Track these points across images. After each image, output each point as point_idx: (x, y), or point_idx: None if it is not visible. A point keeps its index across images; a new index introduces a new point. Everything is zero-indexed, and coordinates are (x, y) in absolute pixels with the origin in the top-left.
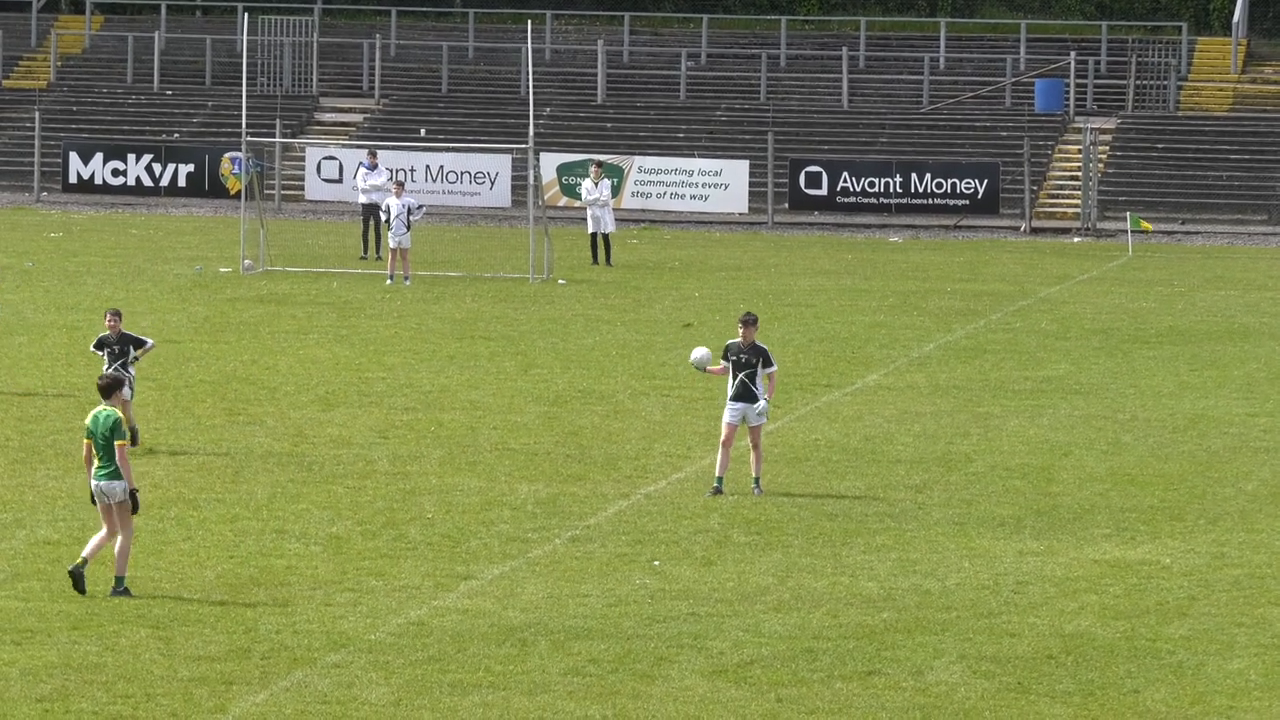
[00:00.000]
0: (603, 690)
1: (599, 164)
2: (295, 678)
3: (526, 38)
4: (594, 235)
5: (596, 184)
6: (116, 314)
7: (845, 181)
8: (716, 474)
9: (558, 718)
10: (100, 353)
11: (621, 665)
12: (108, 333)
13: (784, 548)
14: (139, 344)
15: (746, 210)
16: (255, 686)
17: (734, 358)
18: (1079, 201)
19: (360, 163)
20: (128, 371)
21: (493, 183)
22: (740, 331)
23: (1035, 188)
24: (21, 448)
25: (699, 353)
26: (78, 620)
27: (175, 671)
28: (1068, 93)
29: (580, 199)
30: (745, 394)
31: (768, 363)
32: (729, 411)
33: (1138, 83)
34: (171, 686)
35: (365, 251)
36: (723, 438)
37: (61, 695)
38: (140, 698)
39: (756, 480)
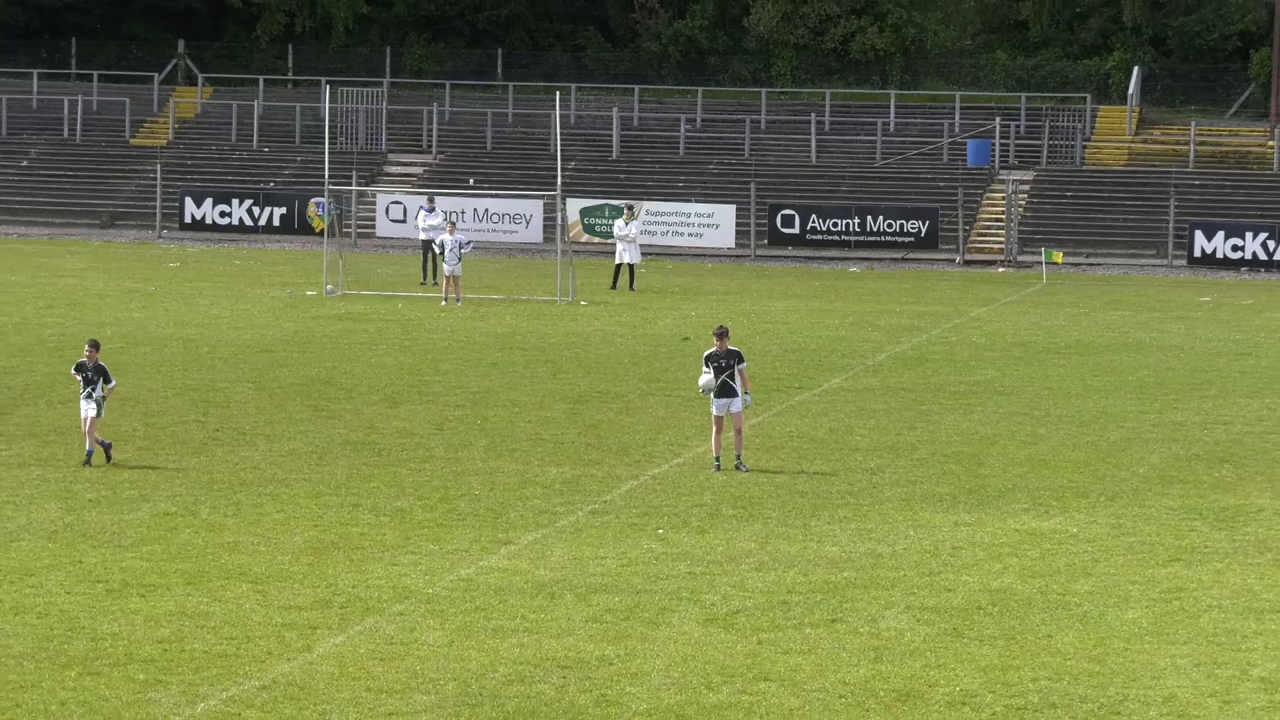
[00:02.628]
0: (617, 634)
1: (630, 207)
2: (367, 623)
3: (555, 106)
4: (619, 265)
5: (627, 223)
6: (95, 345)
7: (814, 222)
8: (713, 455)
9: (580, 656)
10: (78, 376)
11: (632, 614)
12: (85, 360)
13: (764, 519)
14: (108, 379)
15: (733, 245)
16: (335, 630)
17: (715, 363)
18: (1003, 238)
19: (420, 206)
20: (96, 397)
21: (527, 223)
22: (716, 342)
23: (967, 227)
24: (146, 437)
25: (706, 379)
26: (191, 577)
27: (270, 618)
28: (994, 150)
29: (612, 234)
30: (726, 390)
31: (740, 360)
32: (715, 406)
33: (1050, 142)
34: (267, 630)
35: (424, 278)
36: (714, 427)
37: (177, 638)
38: (241, 640)
39: (738, 458)
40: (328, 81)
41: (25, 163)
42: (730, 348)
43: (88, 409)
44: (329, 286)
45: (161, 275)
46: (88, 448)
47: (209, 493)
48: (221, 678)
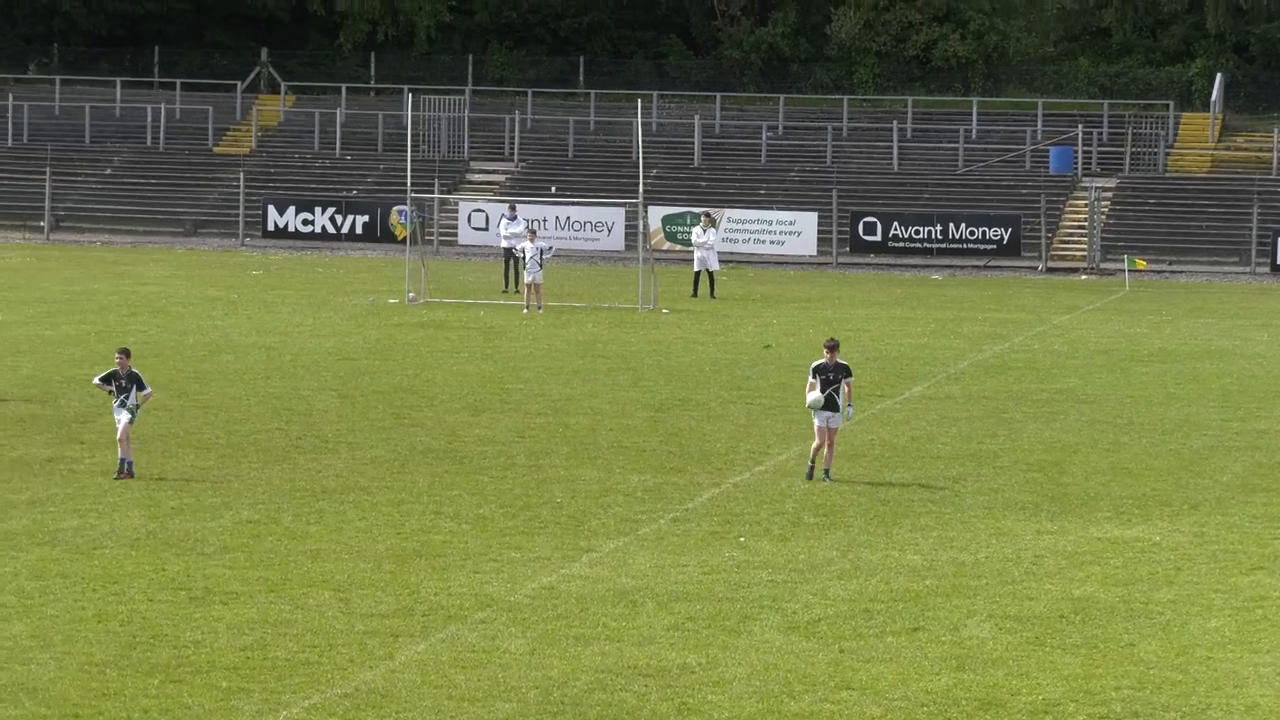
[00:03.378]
0: (698, 642)
1: (708, 214)
2: (449, 631)
3: (637, 113)
4: (699, 272)
5: (705, 231)
6: (126, 353)
7: (895, 229)
8: (809, 463)
9: (662, 664)
10: (108, 386)
11: (714, 622)
12: (117, 369)
13: (845, 527)
14: (141, 386)
15: (815, 253)
16: (417, 638)
17: (823, 375)
18: (1085, 246)
19: (502, 214)
20: (130, 405)
21: (609, 230)
22: (826, 354)
23: (1050, 235)
24: (228, 445)
25: (814, 396)
26: (274, 584)
27: (352, 626)
28: (1076, 157)
29: (690, 242)
30: (830, 404)
31: (848, 374)
32: (818, 418)
33: (1133, 150)
34: (349, 638)
35: (506, 286)
36: (817, 439)
37: (260, 645)
38: (324, 647)
39: (826, 471)
40: (410, 89)
41: (109, 171)
42: (839, 361)
43: (122, 417)
44: (411, 294)
45: (244, 283)
46: (121, 456)
47: (291, 500)
48: (304, 685)
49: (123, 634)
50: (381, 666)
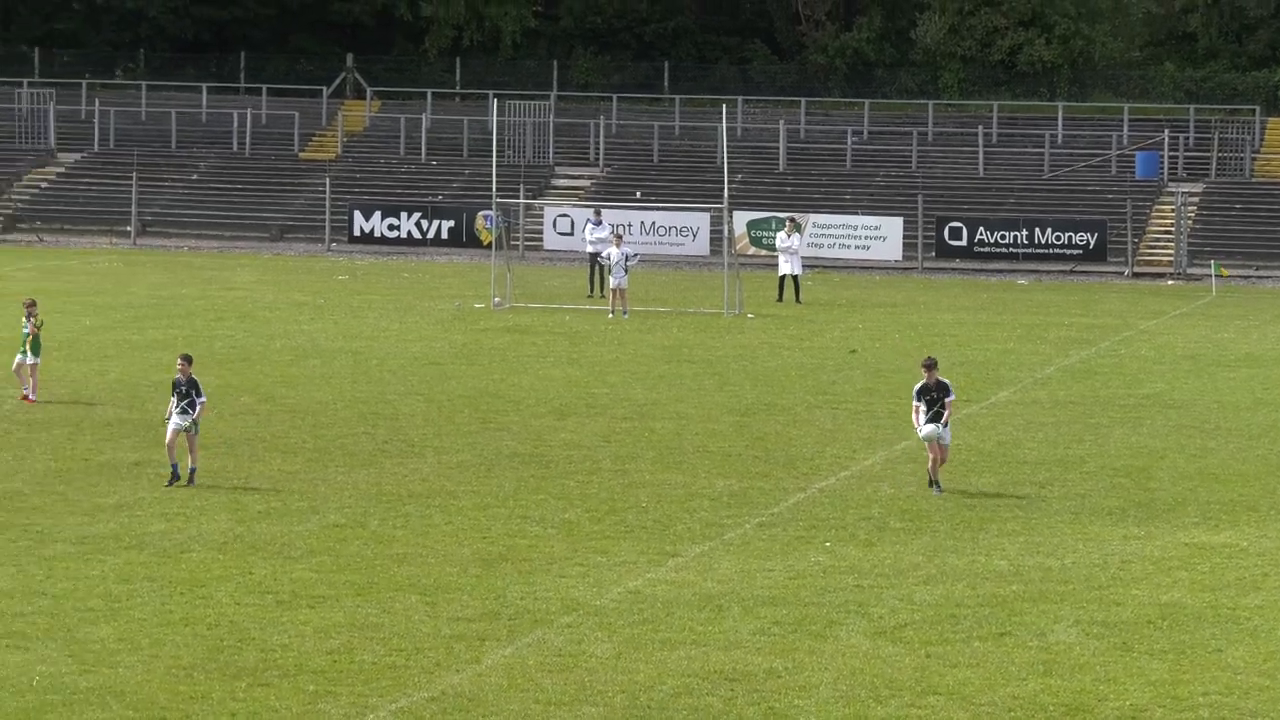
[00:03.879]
0: (784, 647)
1: (792, 219)
2: (536, 635)
3: (722, 118)
4: (783, 277)
5: (790, 235)
6: (188, 359)
7: (981, 234)
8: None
9: (748, 670)
10: (173, 396)
11: (800, 627)
12: (179, 376)
13: (932, 532)
14: (199, 393)
15: (900, 258)
16: (503, 642)
17: (927, 396)
18: (1172, 251)
19: (588, 219)
20: (193, 412)
21: (694, 235)
22: (925, 374)
23: (1136, 240)
24: (315, 449)
25: (929, 429)
26: (360, 588)
27: (439, 630)
28: (1162, 162)
29: (775, 247)
30: (936, 419)
31: (949, 393)
32: (925, 433)
33: (1219, 155)
34: (436, 642)
35: (591, 291)
36: (931, 455)
37: (347, 649)
38: (411, 651)
39: (936, 482)
40: (495, 95)
41: (195, 176)
42: (940, 379)
43: (179, 424)
44: (497, 299)
45: (330, 288)
46: (172, 462)
47: (378, 505)
48: (391, 689)
49: (209, 637)
50: (468, 670)
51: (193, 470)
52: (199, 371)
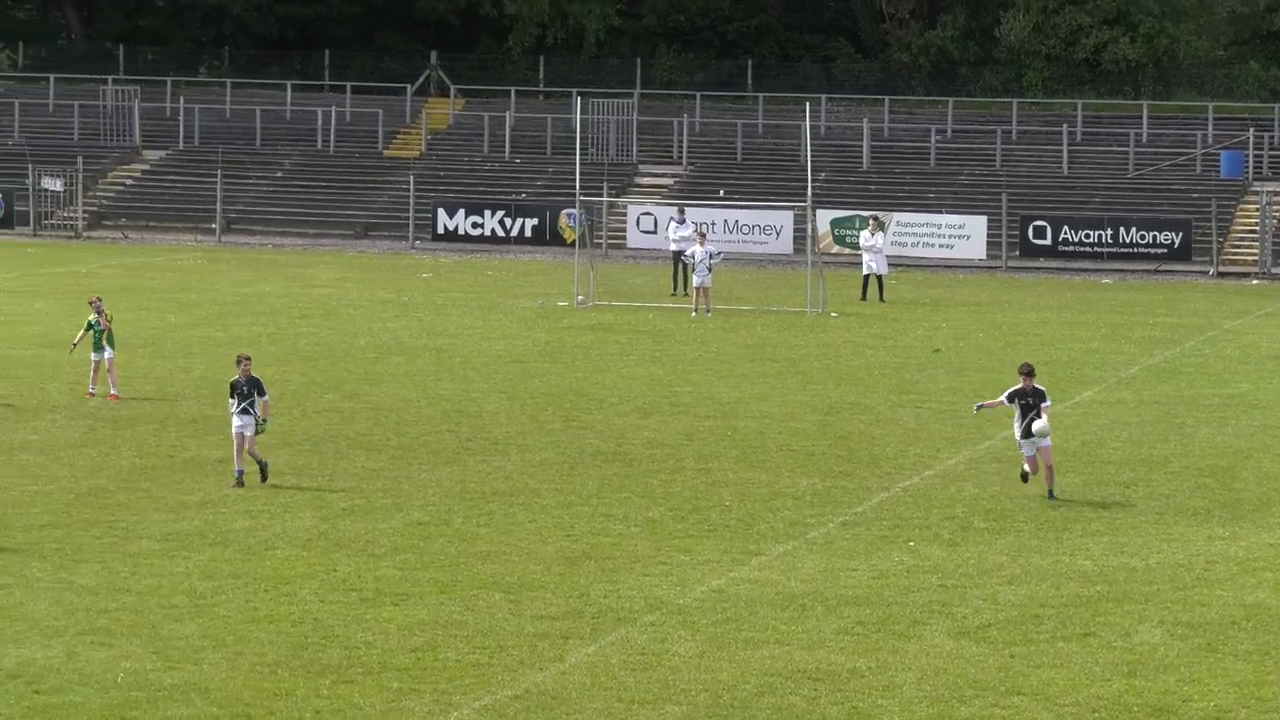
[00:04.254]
0: (868, 647)
1: (876, 218)
2: (619, 634)
3: (805, 116)
4: (867, 276)
5: (873, 234)
6: (248, 358)
7: (1065, 233)
8: (1046, 487)
9: (832, 668)
10: (232, 399)
11: (883, 626)
12: (239, 377)
13: (1015, 532)
14: (262, 392)
15: (984, 257)
16: (587, 640)
17: (1021, 401)
18: (1257, 250)
19: (671, 217)
20: (254, 411)
21: (778, 234)
22: (1022, 380)
23: (1221, 239)
24: (399, 446)
25: (1040, 424)
26: (444, 586)
27: (522, 628)
28: (1247, 161)
29: (859, 246)
30: (1028, 431)
31: (1045, 399)
32: (1024, 446)
33: None
34: (519, 640)
35: (675, 289)
36: (1028, 467)
37: (431, 646)
38: (494, 649)
39: (1051, 492)
40: (579, 93)
41: (280, 174)
42: (1036, 386)
43: (242, 425)
44: (580, 297)
45: (414, 286)
46: (238, 468)
47: (462, 502)
48: (474, 687)
49: (294, 634)
50: (551, 668)
51: (265, 466)
52: (285, 368)
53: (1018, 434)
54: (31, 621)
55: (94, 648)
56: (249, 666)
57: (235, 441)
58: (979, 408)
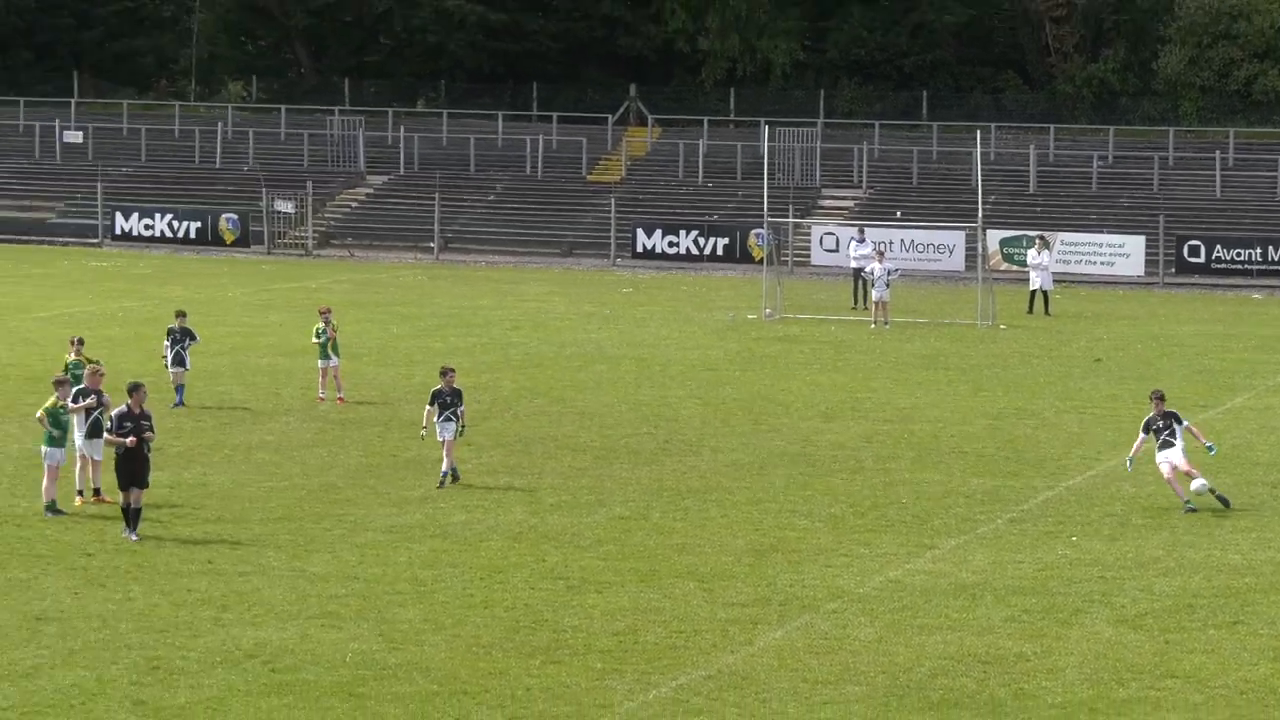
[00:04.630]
0: (1033, 633)
1: (1041, 237)
2: (804, 620)
3: (976, 144)
4: (1034, 292)
5: (1039, 252)
6: (452, 370)
7: (1218, 252)
8: (1181, 500)
9: (999, 653)
10: (432, 406)
11: (1047, 614)
12: (443, 386)
13: (1170, 528)
14: (460, 401)
15: (1142, 274)
16: (774, 626)
17: (1155, 426)
18: None
19: (851, 237)
20: (456, 419)
21: (950, 252)
22: (1153, 406)
23: None
24: (602, 447)
25: (1197, 485)
26: (643, 575)
27: (715, 614)
28: None
29: (1026, 263)
30: (1165, 446)
31: (1180, 421)
32: (1163, 465)
33: None
34: (712, 625)
35: (855, 303)
36: (1168, 478)
37: (631, 630)
38: (689, 633)
39: (1215, 492)
40: (766, 122)
41: (492, 197)
42: (1167, 410)
43: (445, 432)
44: (768, 310)
45: (615, 300)
46: (444, 470)
47: (659, 499)
48: (671, 667)
49: (507, 619)
50: (742, 651)
51: (454, 469)
52: (497, 375)
53: (1157, 460)
54: (268, 606)
55: (325, 630)
56: (466, 647)
57: (444, 447)
58: (1129, 464)
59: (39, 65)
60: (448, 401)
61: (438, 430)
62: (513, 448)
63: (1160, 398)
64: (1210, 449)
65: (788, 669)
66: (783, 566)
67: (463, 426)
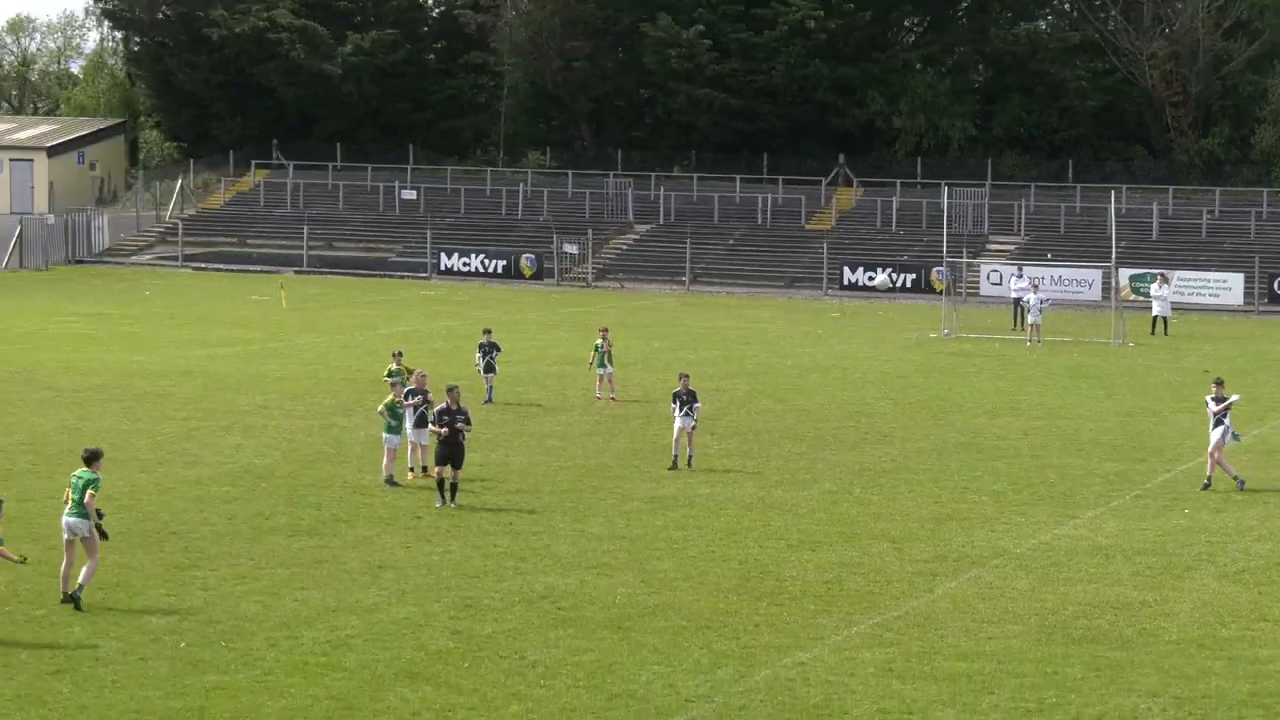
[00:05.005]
0: (1154, 585)
1: (1162, 274)
2: (972, 573)
3: (1110, 201)
4: (1155, 317)
5: (1160, 286)
6: (686, 375)
7: None
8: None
9: (1126, 601)
10: (674, 404)
11: (1165, 571)
12: (680, 388)
13: (1264, 504)
14: (695, 399)
15: (1241, 303)
16: (949, 578)
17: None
18: None
19: (1012, 273)
20: (693, 415)
21: (1090, 286)
22: (1214, 389)
23: None
24: (815, 437)
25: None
26: (847, 537)
27: (903, 568)
28: None
29: (1150, 295)
30: (1215, 425)
31: (1228, 401)
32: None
33: None
34: (901, 577)
35: (1014, 326)
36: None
37: (837, 580)
38: (883, 582)
39: (1235, 479)
40: (946, 183)
41: (731, 241)
42: (1223, 395)
43: (683, 424)
44: (946, 331)
45: (826, 322)
46: (674, 453)
47: (860, 478)
48: (868, 609)
49: (740, 570)
50: (924, 597)
51: (690, 456)
52: (735, 381)
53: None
54: (555, 558)
55: (599, 577)
56: (709, 593)
57: (675, 435)
58: (1238, 437)
59: (384, 139)
60: (684, 399)
61: (676, 421)
62: (745, 437)
63: (1220, 383)
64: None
65: (960, 611)
66: (956, 531)
67: (695, 421)
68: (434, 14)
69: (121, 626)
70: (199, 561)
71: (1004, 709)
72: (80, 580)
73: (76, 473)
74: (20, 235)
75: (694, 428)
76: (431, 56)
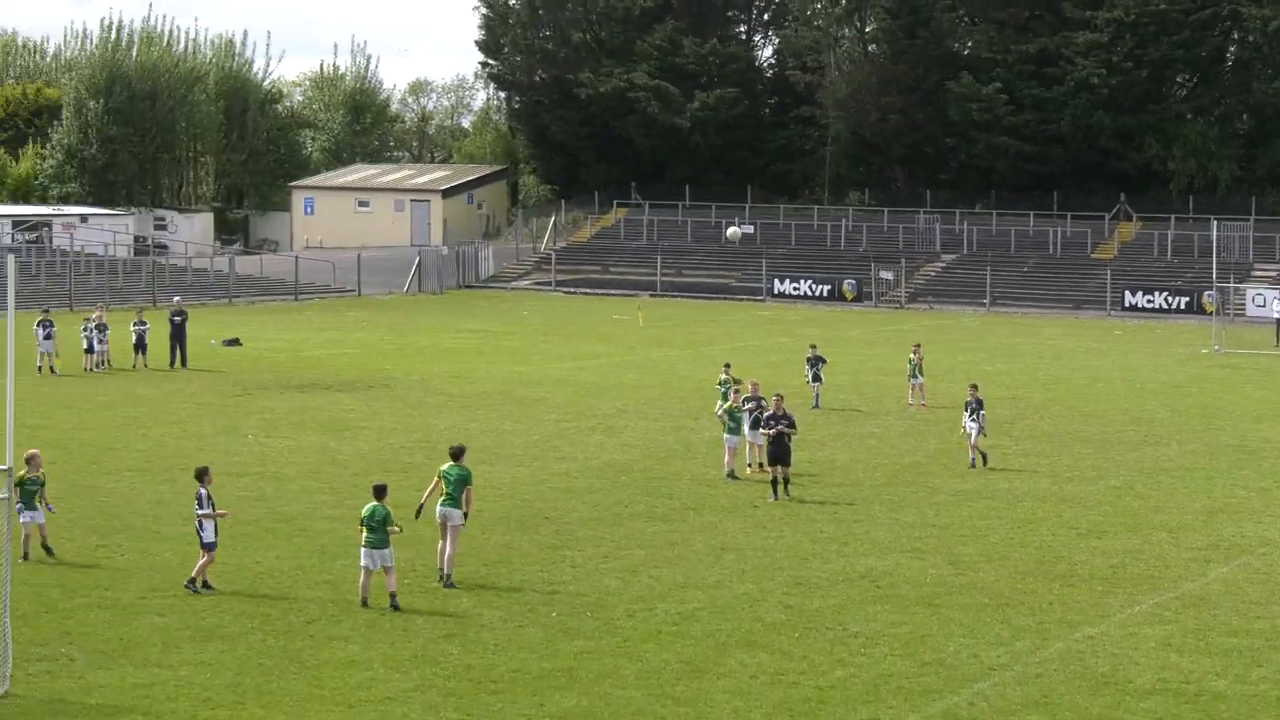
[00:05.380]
0: None
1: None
2: (1242, 560)
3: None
4: None
5: (1268, 300)
6: (974, 385)
7: None
8: None
9: None
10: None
11: None
12: (969, 399)
13: None
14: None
15: None
16: (1220, 564)
17: None
18: None
19: (1274, 296)
20: (978, 420)
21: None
22: None
23: None
24: (1100, 439)
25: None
26: (1130, 527)
27: (1179, 555)
28: None
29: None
30: None
31: None
32: None
33: None
34: (1177, 562)
35: (1277, 343)
36: None
37: (1121, 564)
38: (1161, 567)
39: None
40: (1215, 218)
41: (1025, 269)
42: None
43: (973, 429)
44: (1216, 347)
45: (1109, 339)
46: (971, 458)
47: (1140, 474)
48: (1149, 590)
49: (1036, 555)
50: (1198, 580)
51: (983, 456)
52: (1028, 390)
53: None
54: (873, 543)
55: (912, 560)
56: (1008, 574)
57: (972, 439)
58: None
59: (725, 182)
60: (973, 407)
61: (965, 425)
62: (1039, 439)
63: None
64: None
65: (1231, 593)
66: (1227, 523)
67: (980, 425)
68: (768, 74)
69: (502, 598)
70: (568, 543)
71: (1272, 680)
72: (445, 565)
73: (444, 467)
74: (419, 264)
75: (978, 431)
76: (766, 111)
